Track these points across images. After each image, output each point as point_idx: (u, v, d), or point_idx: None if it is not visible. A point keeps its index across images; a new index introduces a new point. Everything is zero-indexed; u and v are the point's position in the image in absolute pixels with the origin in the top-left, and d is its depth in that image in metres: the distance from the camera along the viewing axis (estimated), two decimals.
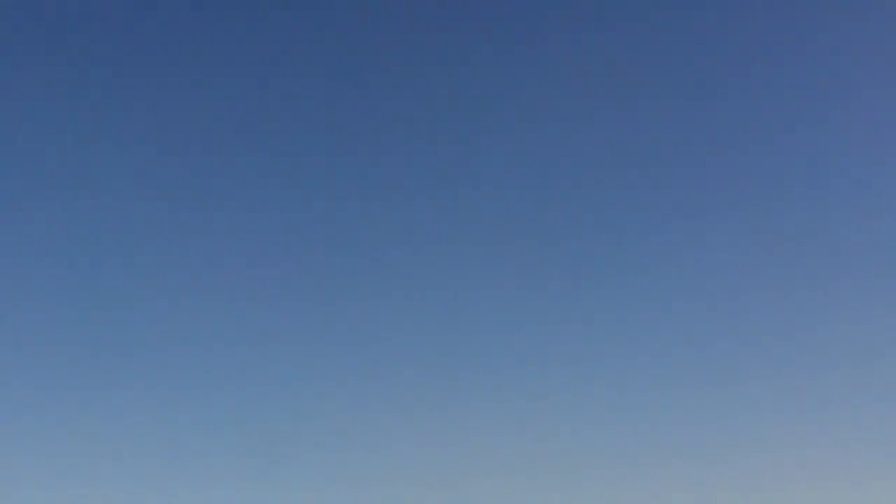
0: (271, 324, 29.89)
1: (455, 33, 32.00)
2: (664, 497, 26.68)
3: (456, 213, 30.95)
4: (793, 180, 30.51)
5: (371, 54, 31.91)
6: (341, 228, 30.91)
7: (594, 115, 31.33)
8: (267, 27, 31.90)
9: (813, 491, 26.41)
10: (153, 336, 29.62)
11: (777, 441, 27.52)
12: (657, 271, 30.03)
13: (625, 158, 30.99)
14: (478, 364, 29.27)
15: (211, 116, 31.54)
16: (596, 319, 29.65)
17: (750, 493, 26.63)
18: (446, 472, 27.62)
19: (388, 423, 28.56)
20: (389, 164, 31.42)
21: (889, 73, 30.35)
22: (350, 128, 31.64)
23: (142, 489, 27.21)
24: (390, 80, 31.75)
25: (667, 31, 31.42)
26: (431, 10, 32.10)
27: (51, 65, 31.29)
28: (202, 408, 28.82)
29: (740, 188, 30.55)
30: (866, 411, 27.67)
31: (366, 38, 31.97)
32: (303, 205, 31.17)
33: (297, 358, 29.60)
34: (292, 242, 30.82)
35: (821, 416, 27.83)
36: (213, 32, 31.83)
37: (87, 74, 31.40)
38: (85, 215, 30.66)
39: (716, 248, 30.09)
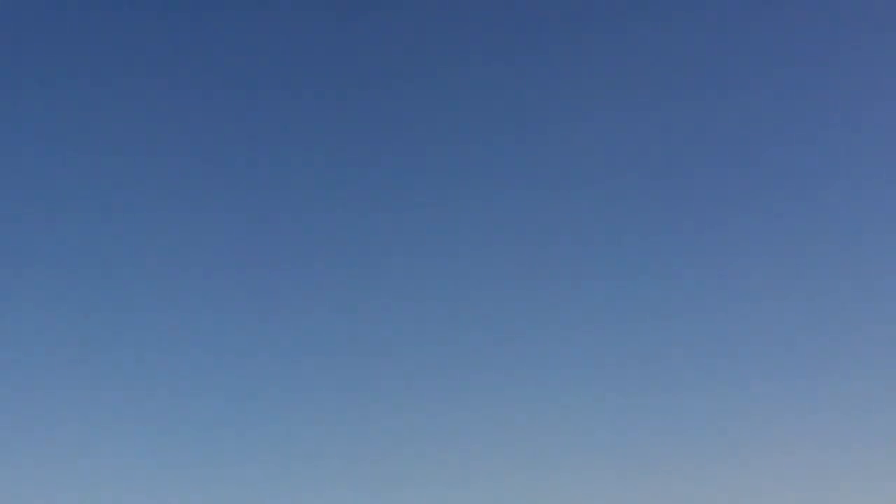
0: (271, 324, 29.97)
1: (455, 33, 32.07)
2: (664, 497, 26.73)
3: (456, 214, 31.03)
4: (793, 180, 30.57)
5: (370, 52, 31.99)
6: (341, 228, 30.97)
7: (595, 115, 31.40)
8: (267, 27, 31.97)
9: (813, 491, 26.47)
10: (153, 338, 29.71)
11: (777, 441, 27.57)
12: (657, 272, 30.09)
13: (625, 159, 31.06)
14: (478, 364, 29.35)
15: (212, 119, 31.60)
16: (596, 320, 29.71)
17: (751, 493, 26.68)
18: (446, 472, 27.68)
19: (389, 423, 28.63)
20: (388, 164, 31.50)
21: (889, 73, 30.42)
22: (349, 128, 31.72)
23: (142, 489, 27.30)
24: (389, 79, 31.82)
25: (668, 32, 31.47)
26: (432, 10, 32.19)
27: (51, 64, 31.39)
28: (202, 408, 28.89)
29: (741, 189, 30.62)
30: (867, 411, 27.73)
31: (365, 37, 32.04)
32: (302, 204, 31.24)
33: (298, 358, 29.67)
34: (292, 242, 30.87)
35: (821, 416, 27.88)
36: (214, 32, 31.89)
37: (89, 75, 31.48)
38: (85, 216, 30.76)
39: (716, 248, 30.16)
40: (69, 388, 28.89)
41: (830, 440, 27.40)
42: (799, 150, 30.62)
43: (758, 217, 30.19)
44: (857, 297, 29.15)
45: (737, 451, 27.51)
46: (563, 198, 30.85)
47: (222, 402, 28.90)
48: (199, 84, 31.61)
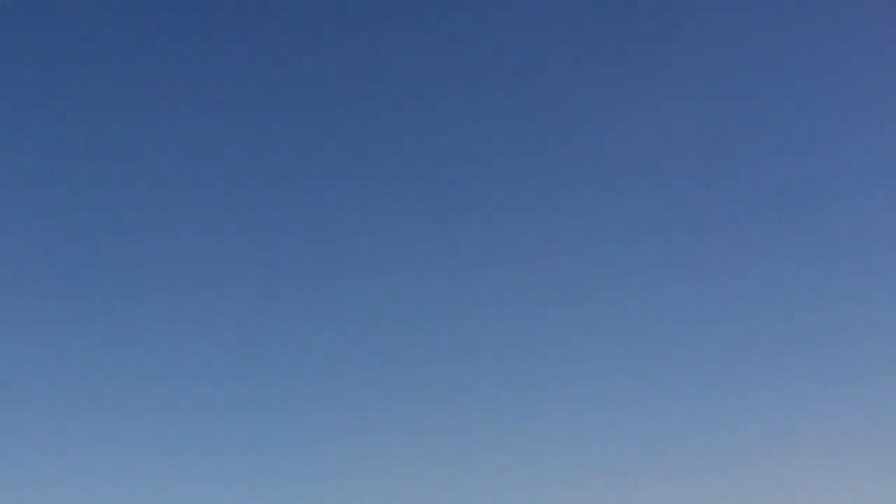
0: (272, 323, 29.99)
1: (454, 32, 32.11)
2: (664, 497, 26.75)
3: (455, 214, 31.06)
4: (794, 180, 30.58)
5: (367, 51, 32.01)
6: (341, 228, 30.99)
7: (596, 118, 31.43)
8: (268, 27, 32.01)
9: (813, 491, 26.49)
10: (153, 336, 29.72)
11: (777, 442, 27.59)
12: (658, 273, 30.12)
13: (626, 161, 31.08)
14: (478, 364, 29.37)
15: (211, 116, 31.64)
16: (596, 319, 29.75)
17: (751, 493, 26.72)
18: (446, 472, 27.71)
19: (389, 423, 28.67)
20: (388, 163, 31.52)
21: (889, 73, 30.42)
22: (349, 127, 31.73)
23: (142, 489, 27.32)
24: (387, 78, 31.84)
25: (669, 33, 31.48)
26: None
27: (51, 64, 31.42)
28: (202, 408, 28.92)
29: (742, 190, 30.64)
30: (867, 412, 27.76)
31: (363, 36, 32.09)
32: (302, 204, 31.27)
33: (298, 358, 29.70)
34: (292, 242, 30.90)
35: (821, 416, 27.92)
36: (215, 33, 31.93)
37: (88, 73, 31.51)
38: (86, 215, 30.77)
39: (716, 248, 30.19)
40: (69, 388, 28.99)
41: (831, 440, 27.46)
42: (798, 150, 30.71)
43: (759, 219, 30.26)
44: (859, 296, 29.25)
45: (737, 451, 27.59)
46: (564, 201, 30.95)
47: (222, 402, 28.98)
48: (199, 79, 31.69)
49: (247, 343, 29.73)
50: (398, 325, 29.96)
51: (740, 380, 28.67)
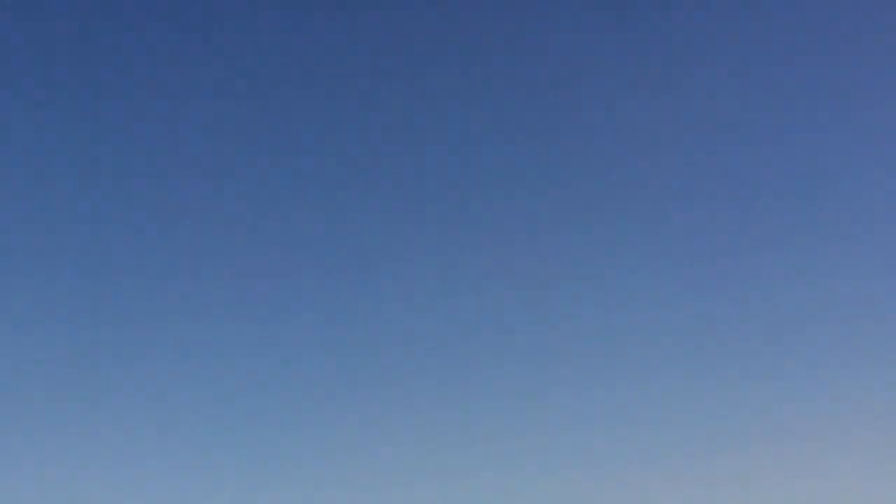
0: (271, 324, 29.98)
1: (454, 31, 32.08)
2: (664, 497, 26.73)
3: (454, 214, 31.05)
4: (794, 180, 30.59)
5: (365, 49, 31.99)
6: (341, 228, 30.99)
7: (591, 111, 31.43)
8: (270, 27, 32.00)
9: (813, 491, 26.48)
10: (154, 338, 29.73)
11: (778, 441, 27.60)
12: (657, 271, 30.12)
13: (625, 157, 31.08)
14: (478, 364, 29.37)
15: (209, 120, 31.62)
16: (595, 320, 29.73)
17: (751, 493, 26.70)
18: (446, 471, 27.71)
19: (389, 423, 28.67)
20: (387, 162, 31.51)
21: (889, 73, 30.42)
22: (349, 127, 31.72)
23: (142, 489, 27.30)
24: (385, 79, 31.83)
25: (666, 30, 31.47)
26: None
27: (51, 64, 31.39)
28: (202, 408, 28.91)
29: (741, 188, 30.63)
30: (867, 412, 27.75)
31: (362, 36, 32.07)
32: (303, 205, 31.27)
33: (298, 358, 29.69)
34: (292, 243, 30.88)
35: (821, 416, 27.91)
36: (216, 33, 31.91)
37: (88, 75, 31.49)
38: (87, 216, 30.76)
39: (716, 247, 30.18)
40: (69, 389, 28.97)
41: (831, 440, 27.46)
42: (799, 150, 30.71)
43: (758, 217, 30.28)
44: (858, 296, 29.25)
45: (737, 451, 27.58)
46: (561, 195, 30.95)
47: (222, 402, 28.97)
48: (205, 84, 31.68)
49: (247, 343, 29.77)
50: (399, 324, 30.02)
51: (741, 380, 28.74)
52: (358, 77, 31.80)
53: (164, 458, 27.98)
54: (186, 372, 29.28)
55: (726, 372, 28.72)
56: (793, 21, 31.15)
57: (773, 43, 31.17)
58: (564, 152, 31.19)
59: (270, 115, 31.66)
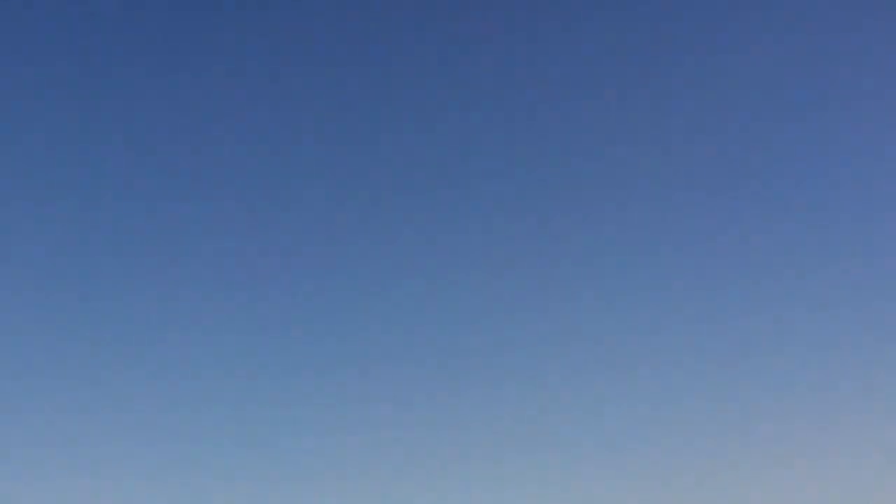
0: (272, 324, 30.01)
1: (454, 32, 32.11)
2: (663, 496, 26.75)
3: (454, 214, 31.06)
4: (794, 179, 30.60)
5: (367, 50, 32.02)
6: (341, 228, 31.00)
7: (593, 114, 31.45)
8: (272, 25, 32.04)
9: (812, 491, 26.48)
10: (153, 334, 29.74)
11: (778, 441, 27.61)
12: (657, 271, 30.13)
13: (624, 158, 31.10)
14: (479, 364, 29.38)
15: (213, 118, 31.64)
16: (595, 319, 29.75)
17: (751, 492, 26.71)
18: (446, 472, 27.72)
19: (389, 423, 28.66)
20: (387, 161, 31.53)
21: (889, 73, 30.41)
22: (350, 124, 31.75)
23: (142, 489, 27.32)
24: (386, 77, 31.86)
25: (666, 30, 31.49)
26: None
27: (52, 63, 31.43)
28: (202, 408, 28.93)
29: (741, 188, 30.65)
30: (867, 412, 27.76)
31: (362, 38, 32.09)
32: (303, 203, 31.28)
33: (298, 358, 29.70)
34: (292, 243, 30.91)
35: (820, 416, 27.93)
36: (218, 30, 31.93)
37: (89, 74, 31.51)
38: (87, 214, 30.79)
39: (716, 246, 30.20)
40: (69, 389, 28.98)
41: (831, 440, 27.47)
42: (799, 150, 30.72)
43: (759, 216, 30.29)
44: (859, 295, 29.26)
45: (736, 450, 27.60)
46: (563, 198, 30.97)
47: (222, 402, 29.00)
48: (201, 79, 31.70)
49: (247, 343, 29.80)
50: (398, 325, 30.04)
51: (740, 379, 28.76)
52: (357, 77, 31.88)
53: (163, 457, 28.06)
54: (185, 372, 29.39)
55: (726, 372, 28.80)
56: (794, 21, 31.24)
57: (774, 43, 31.27)
58: (563, 151, 31.30)
59: (270, 115, 31.76)
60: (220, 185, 31.18)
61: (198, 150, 31.40)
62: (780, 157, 30.71)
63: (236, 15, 31.87)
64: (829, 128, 30.69)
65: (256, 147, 31.51)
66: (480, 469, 27.67)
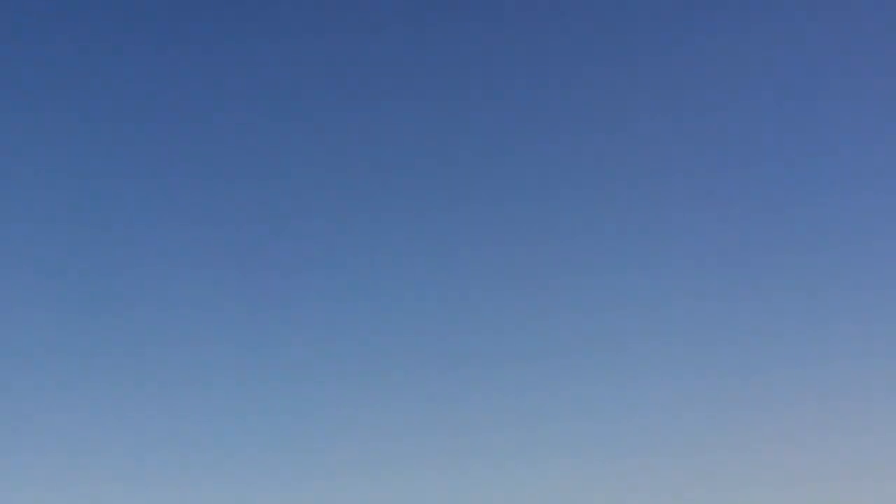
0: (272, 324, 30.00)
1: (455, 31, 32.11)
2: (663, 496, 26.74)
3: (454, 214, 31.06)
4: (794, 179, 30.60)
5: (366, 50, 32.02)
6: (342, 228, 31.00)
7: (597, 119, 31.46)
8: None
9: (814, 490, 26.49)
10: (154, 336, 29.73)
11: (778, 441, 27.60)
12: (657, 271, 30.11)
13: (624, 159, 31.09)
14: (479, 364, 29.37)
15: (215, 122, 31.67)
16: (595, 319, 29.73)
17: (751, 492, 26.72)
18: (446, 471, 27.71)
19: (388, 423, 28.66)
20: (388, 163, 31.53)
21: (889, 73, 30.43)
22: (352, 125, 31.76)
23: (142, 489, 27.31)
24: (389, 80, 31.86)
25: (666, 32, 31.51)
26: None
27: (52, 64, 31.43)
28: (202, 408, 28.92)
29: (741, 188, 30.65)
30: (867, 411, 27.74)
31: (362, 35, 32.08)
32: (303, 204, 31.29)
33: (298, 358, 29.70)
34: (292, 243, 30.90)
35: (821, 416, 27.90)
36: (215, 33, 31.95)
37: (94, 78, 31.54)
38: (85, 214, 30.79)
39: (716, 246, 30.19)
40: (70, 389, 28.97)
41: (832, 439, 27.46)
42: (798, 150, 30.72)
43: (759, 216, 30.27)
44: (858, 295, 29.25)
45: (736, 449, 27.58)
46: (563, 196, 30.97)
47: (222, 402, 28.99)
48: (198, 85, 31.71)
49: (247, 343, 29.79)
50: (398, 325, 30.03)
51: (741, 380, 28.75)
52: (358, 79, 31.89)
53: (164, 457, 28.06)
54: (186, 370, 29.39)
55: (726, 372, 28.79)
56: (797, 21, 31.26)
57: (775, 43, 31.27)
58: (564, 153, 31.28)
59: (271, 115, 31.78)
60: (221, 184, 31.23)
61: (198, 150, 31.46)
62: (779, 157, 30.79)
63: (236, 14, 31.97)
64: (828, 128, 30.76)
65: (258, 147, 31.56)
66: (481, 469, 27.72)
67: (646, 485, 27.01)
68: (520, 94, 31.53)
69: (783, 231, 30.05)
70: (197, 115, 31.50)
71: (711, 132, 30.92)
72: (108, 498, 26.97)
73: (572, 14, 31.69)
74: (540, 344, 29.33)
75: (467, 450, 27.96)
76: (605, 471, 27.37)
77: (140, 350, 29.46)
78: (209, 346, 29.55)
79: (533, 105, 31.44)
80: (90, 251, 30.46)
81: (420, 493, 27.22)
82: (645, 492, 26.85)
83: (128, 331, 29.69)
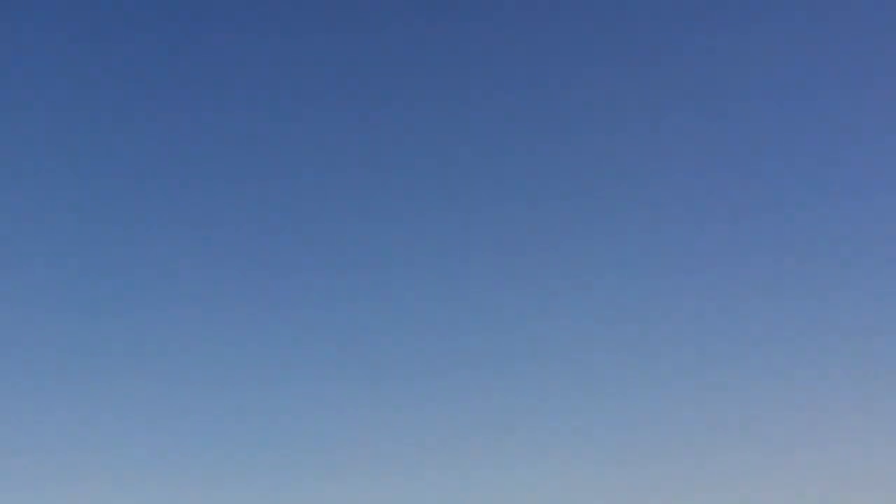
0: (273, 324, 29.99)
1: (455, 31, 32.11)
2: (663, 496, 26.74)
3: (454, 214, 31.07)
4: (795, 179, 30.60)
5: (366, 50, 32.02)
6: (341, 228, 31.01)
7: (598, 119, 31.45)
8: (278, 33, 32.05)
9: (812, 491, 26.48)
10: (154, 336, 29.74)
11: (777, 440, 27.61)
12: (657, 271, 30.12)
13: (624, 159, 31.10)
14: (479, 364, 29.38)
15: (216, 122, 31.66)
16: (595, 319, 29.74)
17: (750, 491, 26.70)
18: (446, 471, 27.71)
19: (389, 422, 28.67)
20: (388, 163, 31.52)
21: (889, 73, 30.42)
22: (352, 125, 31.76)
23: (142, 489, 27.32)
24: (389, 83, 31.85)
25: (666, 32, 31.50)
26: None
27: (53, 63, 31.42)
28: (202, 408, 28.92)
29: (741, 188, 30.65)
30: (867, 412, 27.74)
31: (362, 35, 32.09)
32: (303, 204, 31.28)
33: (298, 358, 29.70)
34: (293, 244, 30.89)
35: (821, 416, 27.91)
36: (215, 32, 31.95)
37: (94, 77, 31.52)
38: (85, 214, 30.78)
39: (716, 246, 30.20)
40: (70, 389, 28.98)
41: (831, 439, 27.46)
42: (799, 150, 30.72)
43: (758, 215, 30.28)
44: (859, 295, 29.27)
45: (736, 449, 27.58)
46: (563, 196, 30.97)
47: (223, 403, 28.99)
48: (198, 85, 31.70)
49: (247, 343, 29.79)
50: (399, 324, 30.04)
51: (740, 379, 28.76)
52: (359, 80, 31.88)
53: (165, 457, 28.07)
54: (187, 370, 29.39)
55: (726, 372, 28.79)
56: (798, 21, 31.25)
57: (775, 43, 31.26)
58: (564, 153, 31.28)
59: (272, 115, 31.77)
60: (222, 184, 31.23)
61: (198, 150, 31.45)
62: (779, 157, 30.79)
63: (236, 13, 31.96)
64: (828, 128, 30.76)
65: (258, 147, 31.56)
66: (480, 469, 27.71)
67: (646, 485, 27.04)
68: (520, 94, 31.59)
69: (783, 231, 30.10)
70: (197, 114, 31.56)
71: (711, 132, 30.99)
72: (109, 498, 27.02)
73: (572, 14, 31.77)
74: (540, 344, 29.39)
75: (467, 450, 27.99)
76: (606, 471, 27.43)
77: (140, 350, 29.53)
78: (210, 347, 29.60)
79: (533, 105, 31.52)
80: (90, 251, 30.52)
81: (420, 492, 27.28)
82: (645, 492, 26.89)
83: (128, 331, 29.75)
